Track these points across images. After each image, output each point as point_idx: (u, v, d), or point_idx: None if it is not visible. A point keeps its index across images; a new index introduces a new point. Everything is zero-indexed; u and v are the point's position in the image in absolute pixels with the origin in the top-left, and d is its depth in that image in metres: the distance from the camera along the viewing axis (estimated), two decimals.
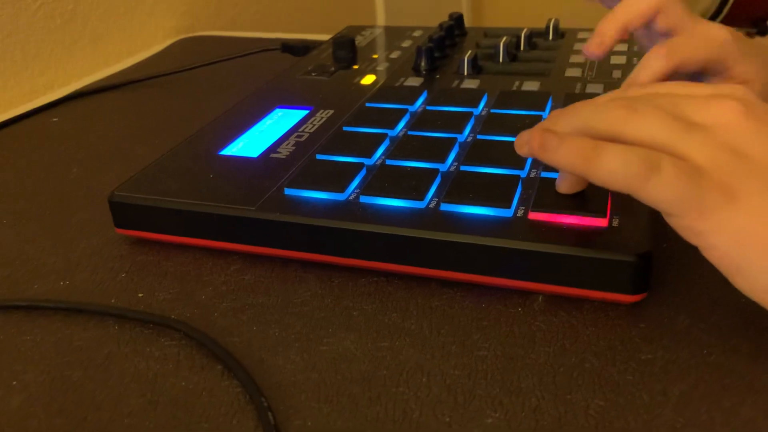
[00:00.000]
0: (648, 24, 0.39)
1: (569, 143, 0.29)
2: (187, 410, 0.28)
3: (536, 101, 0.45)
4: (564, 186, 0.34)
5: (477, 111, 0.45)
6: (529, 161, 0.38)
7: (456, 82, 0.51)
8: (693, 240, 0.28)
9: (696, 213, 0.27)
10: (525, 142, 0.31)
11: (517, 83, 0.50)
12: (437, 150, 0.39)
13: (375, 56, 0.59)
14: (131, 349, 0.32)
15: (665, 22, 0.39)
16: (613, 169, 0.27)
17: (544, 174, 0.37)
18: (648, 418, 0.27)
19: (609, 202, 0.33)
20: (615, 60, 0.53)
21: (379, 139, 0.41)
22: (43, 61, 0.69)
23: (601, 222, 0.32)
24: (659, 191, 0.27)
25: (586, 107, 0.30)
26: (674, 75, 0.37)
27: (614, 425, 0.26)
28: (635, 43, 0.56)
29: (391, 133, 0.43)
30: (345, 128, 0.44)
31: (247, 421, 0.28)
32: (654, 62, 0.36)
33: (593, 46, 0.39)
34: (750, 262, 0.27)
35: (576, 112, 0.30)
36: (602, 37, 0.39)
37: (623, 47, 0.55)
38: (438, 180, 0.37)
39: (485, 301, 0.33)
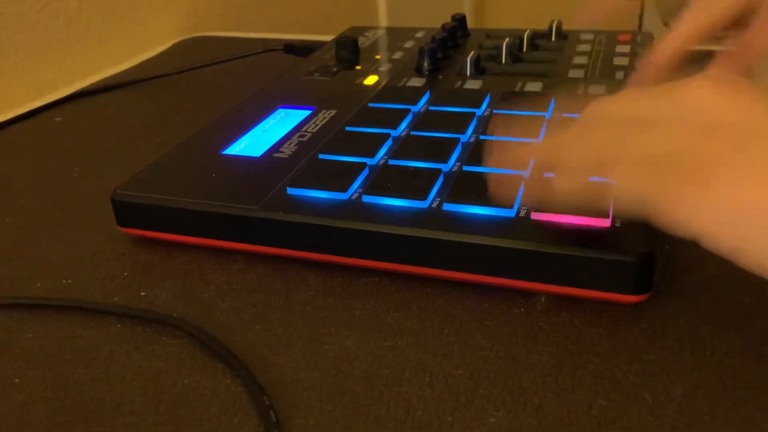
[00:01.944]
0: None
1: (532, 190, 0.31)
2: (189, 409, 0.28)
3: (539, 102, 0.45)
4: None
5: (480, 111, 0.45)
6: (531, 162, 0.38)
7: (459, 83, 0.51)
8: (685, 233, 0.26)
9: (670, 205, 0.26)
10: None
11: (519, 84, 0.50)
12: (440, 150, 0.39)
13: (378, 57, 0.59)
14: (133, 347, 0.32)
15: None
16: (568, 193, 0.29)
17: (547, 175, 0.36)
18: (650, 418, 0.26)
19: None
20: (617, 61, 0.53)
21: (381, 139, 0.41)
22: (47, 59, 0.69)
23: (604, 222, 0.32)
24: (619, 192, 0.27)
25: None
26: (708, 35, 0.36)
27: (617, 425, 0.26)
28: (638, 45, 0.56)
29: (393, 133, 0.43)
30: (347, 128, 0.44)
31: (249, 419, 0.28)
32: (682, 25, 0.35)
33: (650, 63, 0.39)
34: (744, 235, 0.25)
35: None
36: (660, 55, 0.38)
37: (626, 48, 0.55)
38: (440, 180, 0.37)
39: (487, 301, 0.33)
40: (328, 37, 0.69)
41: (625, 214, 0.28)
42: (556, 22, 0.60)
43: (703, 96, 0.26)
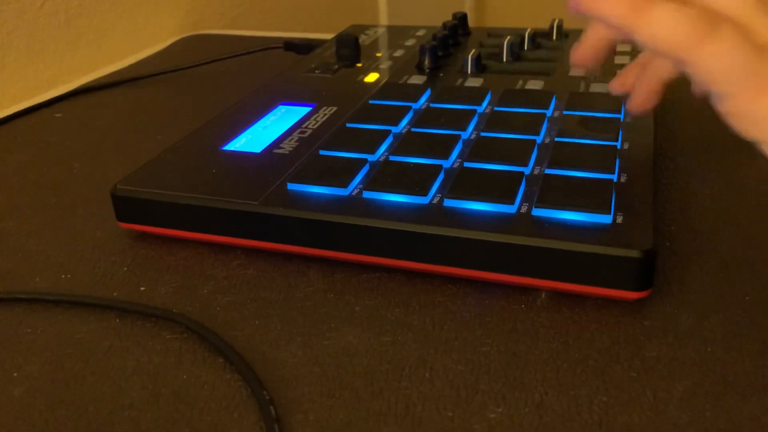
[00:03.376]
0: None
1: None
2: (189, 403, 0.28)
3: (540, 100, 0.45)
4: (586, 47, 0.31)
5: (480, 109, 0.45)
6: (533, 158, 0.38)
7: (460, 81, 0.51)
8: (749, 130, 0.24)
9: (754, 91, 0.24)
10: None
11: (520, 82, 0.50)
12: (441, 147, 0.39)
13: (378, 54, 0.59)
14: (133, 342, 0.32)
15: None
16: (666, 24, 0.24)
17: (548, 171, 0.36)
18: (651, 414, 0.26)
19: (613, 198, 0.33)
20: (619, 60, 0.53)
21: (382, 135, 0.41)
22: (47, 56, 0.69)
23: (605, 218, 0.32)
24: (715, 56, 0.24)
25: None
26: None
27: (617, 421, 0.26)
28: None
29: (394, 129, 0.43)
30: (348, 125, 0.44)
31: (249, 414, 0.28)
32: None
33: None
34: None
35: None
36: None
37: (627, 47, 0.55)
38: (441, 176, 0.37)
39: (488, 297, 0.33)
40: (328, 36, 0.69)
41: (654, 42, 0.25)
42: (557, 20, 0.60)
43: None
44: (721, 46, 0.24)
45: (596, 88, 0.48)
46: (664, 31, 0.24)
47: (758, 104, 0.24)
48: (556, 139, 0.40)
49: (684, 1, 0.25)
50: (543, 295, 0.33)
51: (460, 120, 0.43)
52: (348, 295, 0.34)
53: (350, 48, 0.58)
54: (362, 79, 0.53)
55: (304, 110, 0.47)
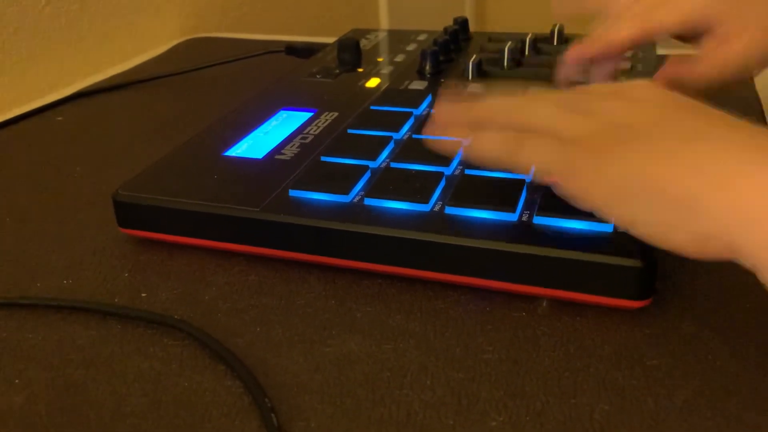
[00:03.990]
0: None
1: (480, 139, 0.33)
2: (190, 410, 0.28)
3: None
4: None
5: None
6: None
7: (461, 86, 0.51)
8: (584, 205, 0.29)
9: (570, 175, 0.29)
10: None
11: (521, 88, 0.50)
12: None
13: (380, 59, 0.59)
14: (134, 348, 0.32)
15: None
16: (489, 149, 0.32)
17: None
18: (653, 423, 0.26)
19: None
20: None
21: (383, 141, 0.41)
22: (48, 59, 0.69)
23: (606, 227, 0.32)
24: (530, 157, 0.30)
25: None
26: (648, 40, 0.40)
27: (619, 430, 0.26)
28: (641, 49, 0.56)
29: (395, 135, 0.43)
30: (349, 130, 0.44)
31: (250, 421, 0.28)
32: (626, 28, 0.39)
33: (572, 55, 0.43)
34: (633, 210, 0.27)
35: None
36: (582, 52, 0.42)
37: (628, 53, 0.55)
38: (443, 183, 0.37)
39: (489, 305, 0.33)
40: (329, 39, 0.69)
41: (538, 179, 0.31)
42: (558, 26, 0.60)
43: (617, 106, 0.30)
44: (531, 150, 0.30)
45: None
46: (491, 155, 0.32)
47: (575, 185, 0.29)
48: None
49: (501, 125, 0.32)
50: (544, 303, 0.33)
51: None
52: (349, 302, 0.34)
53: (351, 52, 0.58)
54: (363, 84, 0.53)
55: (306, 116, 0.47)
